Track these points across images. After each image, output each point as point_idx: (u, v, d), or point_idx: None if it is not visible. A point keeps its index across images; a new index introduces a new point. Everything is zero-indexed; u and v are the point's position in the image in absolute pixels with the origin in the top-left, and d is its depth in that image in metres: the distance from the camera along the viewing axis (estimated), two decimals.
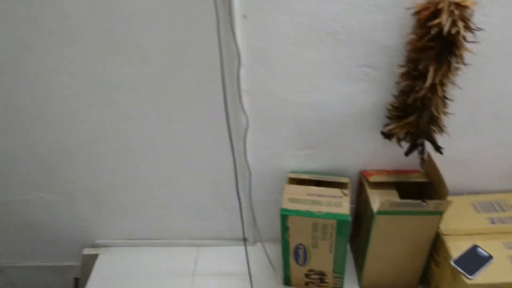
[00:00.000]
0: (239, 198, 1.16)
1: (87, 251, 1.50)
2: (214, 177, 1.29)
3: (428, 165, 1.14)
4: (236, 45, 0.96)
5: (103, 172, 1.30)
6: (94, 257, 1.47)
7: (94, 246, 1.51)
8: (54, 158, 1.27)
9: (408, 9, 0.91)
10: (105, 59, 1.05)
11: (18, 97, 1.14)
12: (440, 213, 1.07)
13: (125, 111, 1.15)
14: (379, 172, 1.23)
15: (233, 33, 0.94)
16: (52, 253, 1.58)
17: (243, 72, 1.03)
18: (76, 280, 1.63)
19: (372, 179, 1.19)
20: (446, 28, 0.82)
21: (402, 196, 1.14)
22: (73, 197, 1.38)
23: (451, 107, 1.02)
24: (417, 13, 0.89)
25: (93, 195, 1.37)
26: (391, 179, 1.19)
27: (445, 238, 1.12)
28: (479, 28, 0.89)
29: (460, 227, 1.14)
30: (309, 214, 1.11)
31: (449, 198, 1.05)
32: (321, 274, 1.26)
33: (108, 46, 1.03)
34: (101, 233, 1.49)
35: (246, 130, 1.12)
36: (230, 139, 1.07)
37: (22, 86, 1.11)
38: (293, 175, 1.23)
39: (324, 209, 1.11)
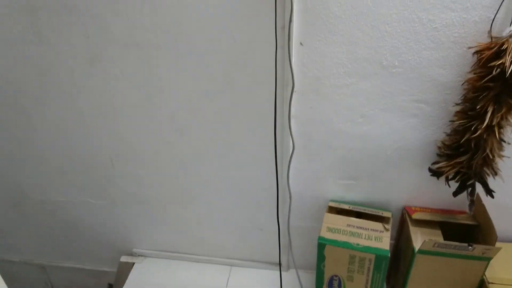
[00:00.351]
0: (278, 222, 1.16)
1: (124, 259, 1.54)
2: (255, 197, 1.29)
3: (477, 208, 1.09)
4: (291, 71, 0.98)
5: (150, 182, 1.34)
6: (130, 266, 1.50)
7: (131, 254, 1.55)
8: (106, 165, 1.33)
9: (470, 48, 0.90)
10: (166, 72, 1.10)
11: (82, 103, 1.20)
12: (487, 259, 1.03)
13: (177, 124, 1.19)
14: (423, 209, 1.19)
15: (289, 59, 0.96)
16: (91, 256, 1.63)
17: (295, 97, 1.04)
18: (110, 286, 1.67)
19: (416, 216, 1.15)
20: (508, 70, 0.81)
21: (446, 237, 1.10)
22: (118, 204, 1.42)
23: (508, 150, 0.98)
24: (478, 52, 0.88)
25: (137, 204, 1.41)
26: (435, 218, 1.15)
27: (491, 287, 1.06)
28: None
29: (507, 277, 1.08)
30: (347, 246, 1.09)
31: (497, 244, 1.00)
32: None
33: (171, 60, 1.08)
34: (140, 242, 1.52)
35: (291, 154, 1.13)
36: (276, 161, 1.08)
37: (87, 93, 1.18)
38: (334, 204, 1.22)
39: (363, 242, 1.09)
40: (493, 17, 0.86)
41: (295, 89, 1.02)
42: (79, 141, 1.29)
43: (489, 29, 0.88)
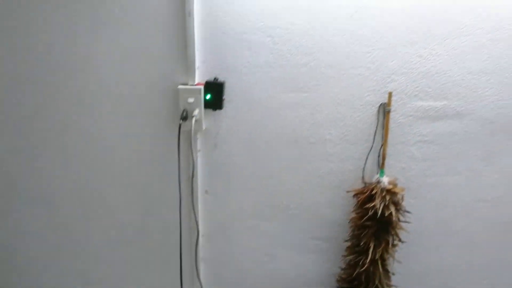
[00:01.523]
0: None
1: None
2: None
3: None
4: (196, 219, 1.04)
5: None
6: None
7: None
8: None
9: (348, 192, 1.05)
10: (75, 223, 1.11)
11: None
12: None
13: (86, 275, 1.16)
14: None
15: (194, 207, 1.03)
16: None
17: (203, 241, 1.09)
18: None
19: None
20: (379, 211, 0.95)
21: None
22: None
23: (396, 280, 1.09)
24: (356, 195, 1.03)
25: None
26: None
27: None
28: (408, 211, 1.03)
29: None
30: None
31: None
32: None
33: (80, 212, 1.10)
34: None
35: None
36: None
37: None
38: None
39: None
40: (363, 166, 1.04)
41: (202, 233, 1.08)
42: None
43: (361, 176, 1.05)
